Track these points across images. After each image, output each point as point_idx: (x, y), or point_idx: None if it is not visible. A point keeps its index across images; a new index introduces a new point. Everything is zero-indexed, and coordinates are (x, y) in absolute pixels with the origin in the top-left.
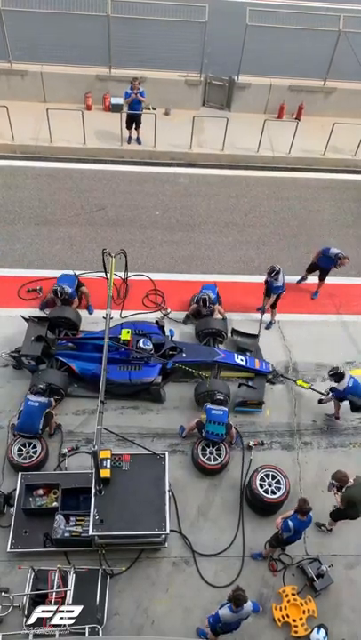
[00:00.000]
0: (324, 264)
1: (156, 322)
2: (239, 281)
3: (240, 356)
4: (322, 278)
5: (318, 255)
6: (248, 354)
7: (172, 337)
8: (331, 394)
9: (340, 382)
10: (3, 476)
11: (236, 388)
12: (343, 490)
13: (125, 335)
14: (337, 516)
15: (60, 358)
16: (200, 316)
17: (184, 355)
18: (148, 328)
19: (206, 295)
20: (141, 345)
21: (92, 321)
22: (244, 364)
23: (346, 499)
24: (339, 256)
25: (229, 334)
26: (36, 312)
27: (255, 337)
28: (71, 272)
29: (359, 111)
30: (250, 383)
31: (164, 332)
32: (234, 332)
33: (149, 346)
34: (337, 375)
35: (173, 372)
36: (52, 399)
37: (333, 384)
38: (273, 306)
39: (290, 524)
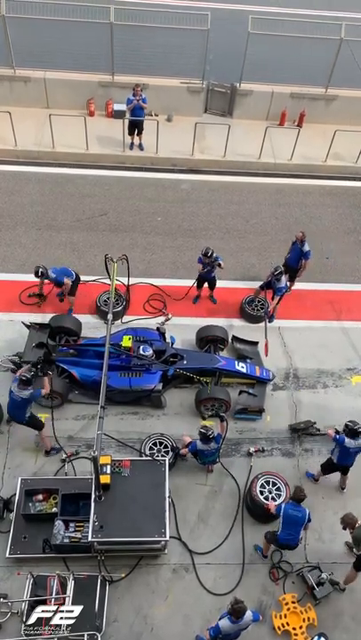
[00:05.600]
0: (292, 262)
1: (157, 328)
2: (240, 287)
3: (241, 364)
4: (291, 278)
5: (291, 248)
6: (248, 361)
7: (172, 344)
8: (335, 437)
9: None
10: (2, 481)
11: (237, 395)
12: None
13: (126, 342)
14: (358, 566)
15: (61, 365)
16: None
17: (185, 362)
18: (149, 335)
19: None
20: (141, 352)
21: (93, 326)
22: (244, 371)
23: (356, 539)
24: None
25: (230, 341)
26: (38, 318)
27: (255, 344)
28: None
29: (360, 118)
30: (250, 390)
31: (164, 338)
32: (234, 339)
33: (149, 352)
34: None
35: (174, 379)
36: (38, 391)
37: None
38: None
39: (282, 506)
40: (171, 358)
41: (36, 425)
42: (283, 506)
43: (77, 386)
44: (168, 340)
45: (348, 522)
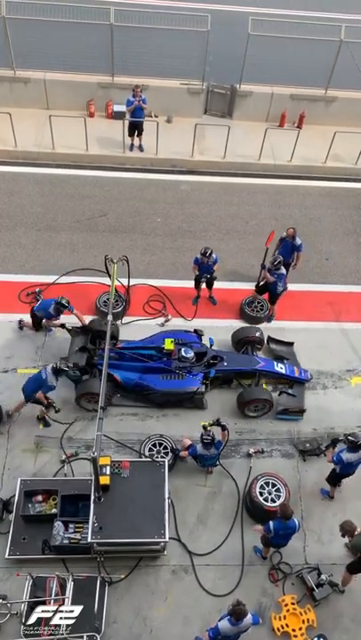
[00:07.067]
0: (285, 257)
1: (195, 330)
2: (240, 288)
3: (279, 364)
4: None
5: (279, 245)
6: (285, 361)
7: (211, 345)
8: (334, 459)
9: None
10: (2, 482)
11: (277, 395)
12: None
13: (169, 345)
14: (354, 568)
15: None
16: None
17: (225, 363)
18: (188, 337)
19: (210, 249)
20: (183, 354)
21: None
22: (283, 371)
23: (355, 548)
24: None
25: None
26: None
27: (291, 344)
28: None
29: (360, 120)
30: (289, 391)
31: (201, 340)
32: (270, 339)
33: (191, 355)
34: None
35: (215, 381)
36: (50, 386)
37: (347, 453)
38: (272, 302)
39: (271, 525)
40: (211, 360)
41: (40, 403)
42: (271, 525)
43: (119, 389)
44: (207, 342)
45: (347, 529)
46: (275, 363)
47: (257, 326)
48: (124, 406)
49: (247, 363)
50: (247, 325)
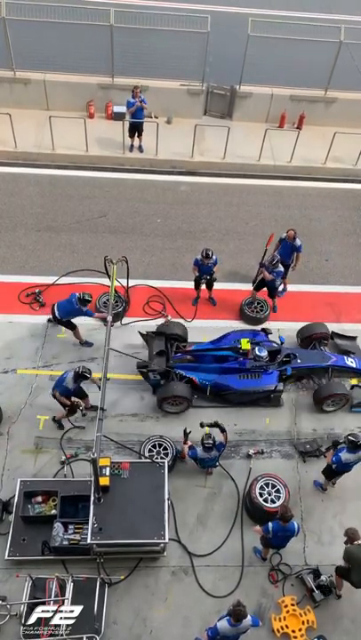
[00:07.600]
0: (284, 258)
1: (263, 329)
2: (240, 289)
3: (349, 359)
4: (284, 274)
5: (278, 246)
6: (352, 355)
7: (282, 343)
8: (333, 460)
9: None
10: (1, 483)
11: (349, 389)
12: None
13: (245, 344)
14: (342, 573)
15: (180, 371)
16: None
17: (298, 360)
18: (257, 336)
19: (210, 250)
20: (257, 353)
21: (92, 327)
22: (354, 365)
23: (346, 555)
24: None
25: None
26: (36, 319)
27: (354, 339)
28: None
29: (360, 121)
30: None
31: (268, 338)
32: (334, 335)
33: (265, 354)
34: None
35: (288, 378)
36: (65, 388)
37: (346, 453)
38: (272, 296)
39: (270, 526)
40: (284, 358)
41: (62, 405)
42: (270, 526)
43: (197, 390)
44: (278, 340)
45: (350, 536)
46: (345, 357)
47: (323, 322)
48: (201, 407)
49: (320, 359)
50: (313, 322)
